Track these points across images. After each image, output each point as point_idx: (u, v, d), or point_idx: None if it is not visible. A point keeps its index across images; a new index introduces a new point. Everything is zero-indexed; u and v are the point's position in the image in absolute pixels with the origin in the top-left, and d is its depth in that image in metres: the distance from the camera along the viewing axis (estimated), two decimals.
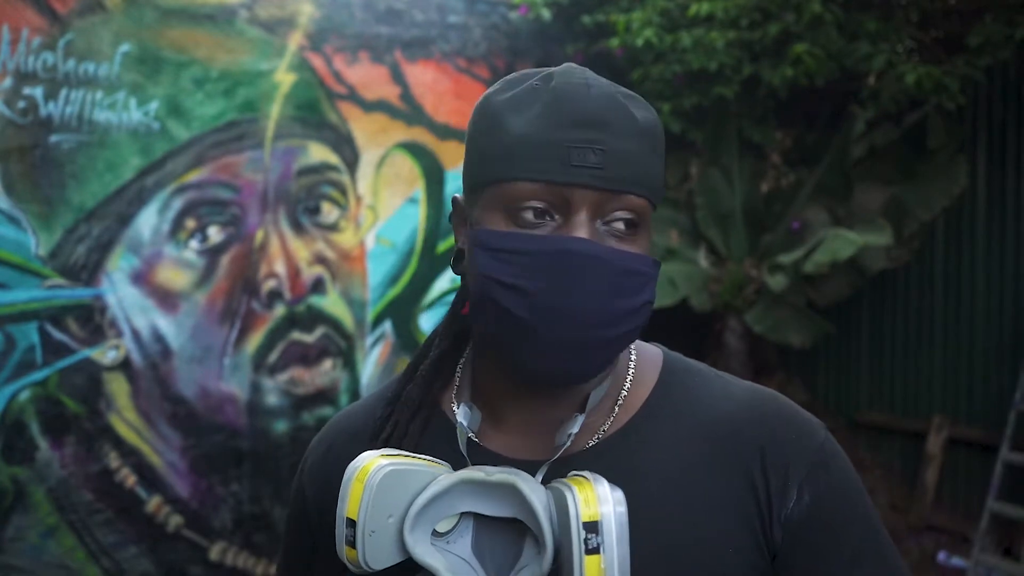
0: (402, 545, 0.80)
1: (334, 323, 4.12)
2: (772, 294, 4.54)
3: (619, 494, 0.75)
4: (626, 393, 0.91)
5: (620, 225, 0.81)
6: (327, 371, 4.10)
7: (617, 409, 0.90)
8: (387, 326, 4.30)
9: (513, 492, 0.78)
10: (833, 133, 4.75)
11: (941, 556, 4.33)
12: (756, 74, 4.39)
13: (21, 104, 3.36)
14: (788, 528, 0.84)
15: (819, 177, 4.73)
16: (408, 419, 0.93)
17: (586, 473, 0.78)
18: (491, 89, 0.88)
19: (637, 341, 0.96)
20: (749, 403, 0.90)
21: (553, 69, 0.85)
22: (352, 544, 0.79)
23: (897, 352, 4.99)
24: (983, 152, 4.57)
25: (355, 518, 0.79)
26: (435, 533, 0.81)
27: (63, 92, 3.44)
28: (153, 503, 3.65)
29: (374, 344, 4.26)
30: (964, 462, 4.62)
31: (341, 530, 0.80)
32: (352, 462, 0.81)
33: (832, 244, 4.23)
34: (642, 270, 0.82)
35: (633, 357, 0.95)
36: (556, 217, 0.80)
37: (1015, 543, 4.16)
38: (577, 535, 0.73)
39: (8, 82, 3.33)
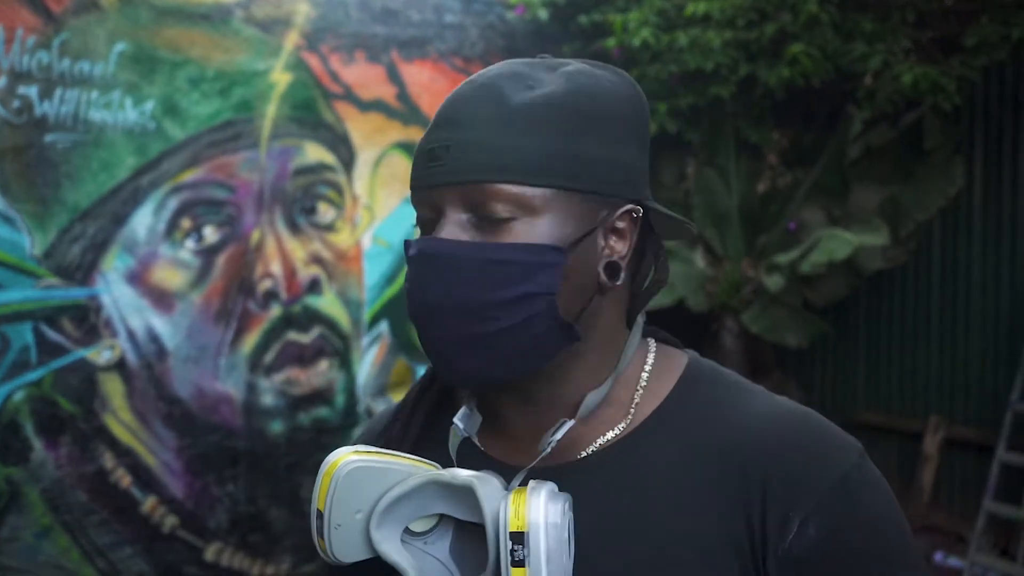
0: (368, 541, 0.80)
1: (330, 323, 4.11)
2: (769, 294, 4.55)
3: (557, 506, 0.73)
4: (637, 400, 0.86)
5: (491, 215, 0.78)
6: (323, 371, 4.09)
7: (628, 419, 0.85)
8: (384, 326, 4.29)
9: (474, 496, 0.77)
10: (830, 133, 4.76)
11: (938, 556, 4.34)
12: (752, 74, 4.39)
13: (16, 103, 3.34)
14: (785, 563, 0.77)
15: (816, 177, 4.73)
16: (408, 415, 0.94)
17: (536, 482, 0.76)
18: None
19: (663, 345, 0.93)
20: (770, 424, 0.82)
21: None
22: (321, 535, 0.81)
23: (893, 352, 4.99)
24: (979, 152, 4.57)
25: (323, 510, 0.80)
26: (412, 532, 0.81)
27: (58, 91, 3.43)
28: (148, 503, 3.65)
29: (370, 344, 4.25)
30: (960, 462, 4.63)
31: (313, 520, 0.82)
32: (328, 456, 0.83)
33: (829, 244, 4.23)
34: (514, 259, 0.77)
35: (650, 362, 0.89)
36: (439, 220, 0.81)
37: (1011, 543, 4.16)
38: (504, 545, 0.72)
39: (3, 81, 3.32)
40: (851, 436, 0.84)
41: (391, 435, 0.92)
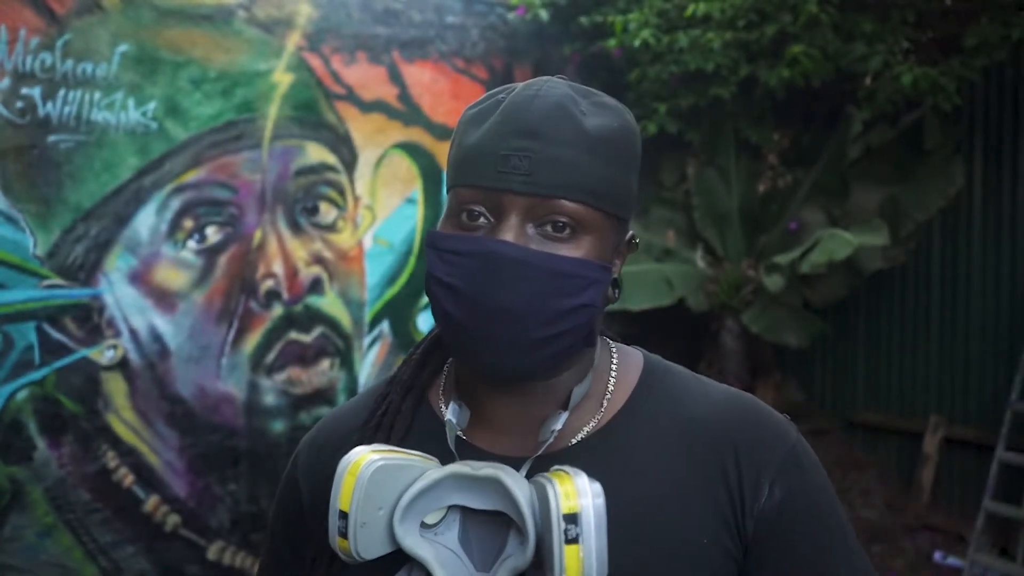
0: (392, 536, 0.84)
1: (332, 323, 4.12)
2: (769, 294, 4.55)
3: (597, 487, 0.79)
4: (610, 393, 0.96)
5: (555, 228, 0.85)
6: (325, 371, 4.10)
7: (602, 409, 0.94)
8: (385, 326, 4.30)
9: (498, 486, 0.82)
10: (830, 134, 4.76)
11: (937, 556, 4.35)
12: (753, 75, 4.40)
13: (19, 104, 3.36)
14: (760, 523, 0.88)
15: (815, 177, 4.74)
16: (400, 399, 0.98)
17: (567, 468, 0.81)
18: (473, 103, 0.94)
19: (619, 344, 1.02)
20: (725, 404, 0.94)
21: (526, 82, 0.90)
22: (344, 535, 0.83)
23: (893, 352, 5.00)
24: (979, 152, 4.58)
25: (347, 510, 0.82)
26: (424, 525, 0.85)
27: (61, 92, 3.45)
28: (151, 502, 3.66)
29: (372, 344, 4.26)
30: (960, 462, 4.63)
31: (334, 522, 0.83)
32: (345, 456, 0.85)
33: (828, 244, 4.24)
34: (576, 273, 0.85)
35: (615, 358, 0.99)
36: (492, 220, 0.86)
37: (1011, 542, 4.17)
38: (557, 526, 0.76)
39: (6, 82, 3.33)
40: (785, 414, 0.98)
41: (378, 429, 0.97)
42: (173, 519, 3.70)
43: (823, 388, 5.38)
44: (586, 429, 0.93)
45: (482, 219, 0.86)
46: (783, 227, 4.77)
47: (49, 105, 3.42)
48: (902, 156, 4.66)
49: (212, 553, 3.80)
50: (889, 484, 4.88)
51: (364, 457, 0.84)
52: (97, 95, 3.53)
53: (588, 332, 0.89)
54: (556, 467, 0.83)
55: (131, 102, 3.60)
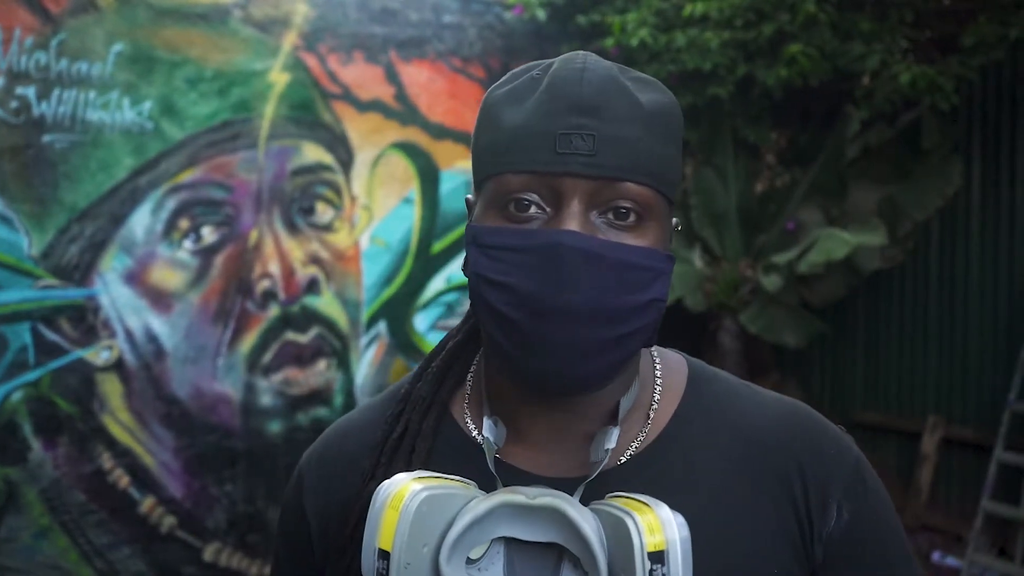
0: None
1: (328, 323, 4.11)
2: (767, 294, 4.55)
3: (681, 519, 0.71)
4: (656, 404, 0.86)
5: (619, 216, 0.76)
6: (321, 371, 4.09)
7: (649, 421, 0.85)
8: (382, 326, 4.29)
9: (557, 516, 0.72)
10: (827, 133, 4.76)
11: (935, 556, 4.34)
12: (751, 74, 4.39)
13: (14, 104, 3.34)
14: (829, 547, 0.81)
15: (813, 177, 4.73)
16: (420, 417, 0.88)
17: (641, 496, 0.73)
18: (495, 84, 0.83)
19: (658, 347, 0.92)
20: (784, 415, 0.86)
21: (558, 58, 0.81)
22: None
23: (892, 352, 4.99)
24: (977, 152, 4.57)
25: (388, 549, 0.72)
26: (468, 560, 0.75)
27: (56, 92, 3.43)
28: (146, 504, 3.64)
29: (368, 344, 4.25)
30: (958, 462, 4.63)
31: (371, 561, 0.73)
32: (382, 486, 0.75)
33: (826, 244, 4.23)
34: (646, 264, 0.76)
35: (658, 363, 0.90)
36: (548, 210, 0.76)
37: (1009, 543, 4.16)
38: (642, 566, 0.68)
39: (0, 82, 3.31)
40: (839, 425, 0.90)
41: (396, 452, 0.87)
42: (169, 520, 3.69)
43: (821, 388, 5.37)
44: (635, 445, 0.84)
45: (533, 208, 0.76)
46: (781, 227, 4.76)
47: (44, 105, 3.41)
48: (900, 156, 4.66)
49: (208, 554, 3.79)
50: (887, 484, 4.80)
51: (406, 488, 0.73)
52: (92, 95, 3.51)
53: (654, 332, 0.80)
54: (619, 494, 0.75)
55: (126, 102, 3.59)
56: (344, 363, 4.16)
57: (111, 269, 3.56)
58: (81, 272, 3.50)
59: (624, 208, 0.76)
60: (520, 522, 0.74)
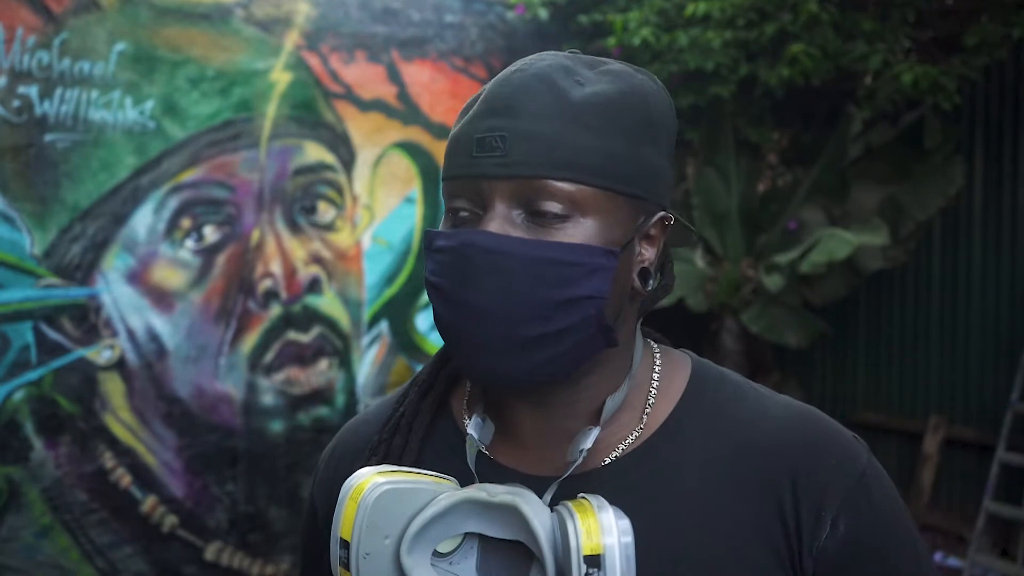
0: (399, 568, 0.75)
1: (330, 323, 4.11)
2: (768, 294, 4.54)
3: (625, 523, 0.70)
4: (650, 405, 0.85)
5: (543, 213, 0.75)
6: (323, 371, 4.09)
7: (641, 424, 0.84)
8: (383, 326, 4.29)
9: (517, 515, 0.73)
10: (830, 133, 4.75)
11: (937, 556, 4.33)
12: (752, 74, 4.39)
13: (16, 103, 3.34)
14: (821, 560, 0.78)
15: (815, 177, 4.73)
16: (410, 422, 0.89)
17: (591, 497, 0.73)
18: None
19: (664, 346, 0.92)
20: (785, 424, 0.83)
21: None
22: (346, 566, 0.75)
23: (894, 352, 4.99)
24: (980, 152, 4.57)
25: (349, 539, 0.74)
26: (437, 554, 0.76)
27: (58, 91, 3.43)
28: (148, 503, 3.65)
29: (370, 344, 4.25)
30: (960, 462, 4.62)
31: (335, 550, 0.76)
32: (349, 479, 0.77)
33: (828, 244, 4.22)
34: (568, 260, 0.74)
35: (658, 363, 0.89)
36: (479, 213, 0.77)
37: (1011, 543, 4.16)
38: (577, 569, 0.68)
39: (3, 81, 3.32)
40: (854, 433, 0.86)
41: (390, 446, 0.88)
42: (170, 519, 3.69)
43: (823, 388, 5.37)
44: (622, 447, 0.83)
45: (466, 212, 0.78)
46: (783, 227, 4.76)
47: (46, 104, 3.41)
48: (902, 155, 4.65)
49: (210, 554, 3.79)
50: None
51: (368, 480, 0.75)
52: (94, 94, 3.51)
53: (599, 329, 0.77)
54: (581, 495, 0.75)
55: (128, 101, 3.59)
56: (346, 363, 4.16)
57: (113, 268, 3.56)
58: (83, 271, 3.50)
59: (547, 205, 0.75)
60: (484, 519, 0.75)
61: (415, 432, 0.88)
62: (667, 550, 0.77)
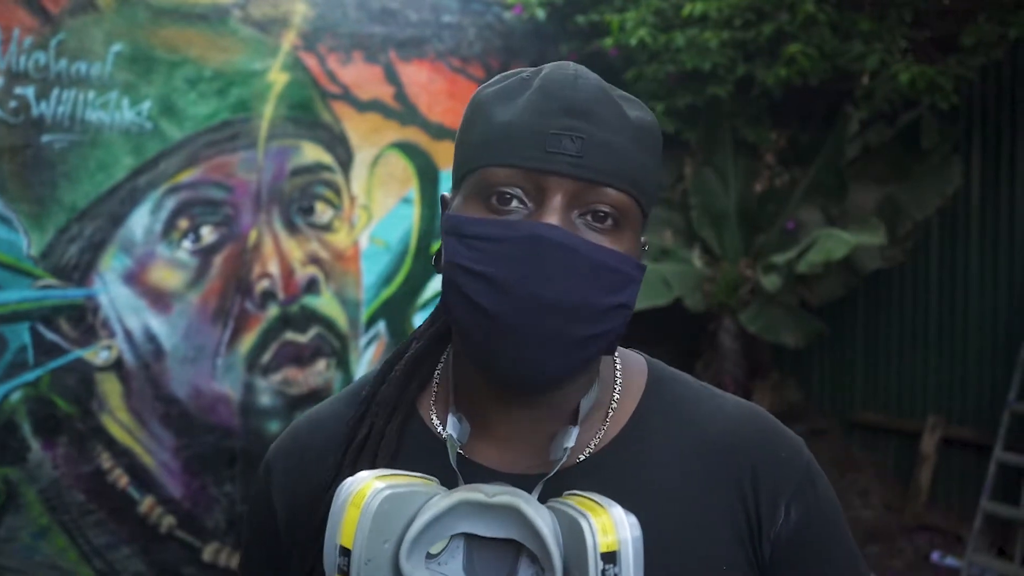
0: (397, 572, 0.75)
1: (328, 323, 4.11)
2: (766, 294, 4.55)
3: (634, 519, 0.72)
4: (615, 403, 0.89)
5: (597, 218, 0.78)
6: (321, 371, 4.09)
7: (608, 420, 0.87)
8: (381, 326, 4.29)
9: (514, 514, 0.74)
10: (827, 133, 4.76)
11: (935, 556, 4.34)
12: (750, 74, 4.39)
13: (13, 104, 3.34)
14: (777, 546, 0.84)
15: (813, 177, 4.73)
16: (385, 421, 0.89)
17: (595, 496, 0.75)
18: (484, 84, 0.85)
19: (620, 348, 0.93)
20: (741, 419, 0.89)
21: (546, 64, 0.83)
22: (345, 573, 0.74)
23: (891, 352, 4.99)
24: (977, 152, 4.57)
25: (350, 546, 0.74)
26: (428, 555, 0.77)
27: (55, 92, 3.43)
28: (146, 503, 3.64)
29: (368, 344, 4.25)
30: (958, 462, 4.63)
31: (333, 558, 0.75)
32: (344, 484, 0.76)
33: (826, 244, 4.23)
34: (620, 268, 0.78)
35: (619, 364, 0.92)
36: (530, 205, 0.78)
37: (1009, 543, 4.16)
38: (594, 567, 0.70)
39: (0, 82, 3.31)
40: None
41: (366, 447, 0.87)
42: (168, 520, 3.69)
43: (821, 388, 5.37)
44: (593, 443, 0.86)
45: (515, 202, 0.78)
46: (780, 227, 4.76)
47: (43, 105, 3.41)
48: (900, 155, 4.66)
49: (207, 554, 3.79)
50: (887, 484, 4.87)
51: (368, 485, 0.75)
52: (91, 95, 3.51)
53: (619, 336, 0.82)
54: (574, 492, 0.77)
55: (125, 102, 3.59)
56: (343, 363, 4.16)
57: (110, 269, 3.56)
58: (80, 272, 3.50)
59: (603, 211, 0.78)
60: (479, 519, 0.76)
61: (392, 426, 0.88)
62: (649, 538, 0.78)
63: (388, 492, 0.74)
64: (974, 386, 4.59)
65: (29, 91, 3.37)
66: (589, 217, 0.78)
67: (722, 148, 4.84)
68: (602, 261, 0.77)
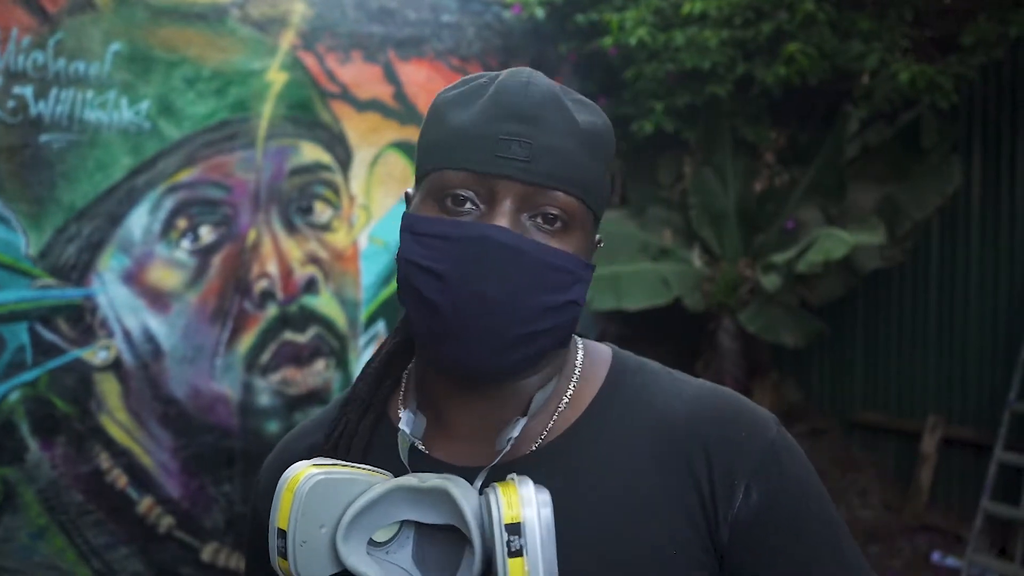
0: (336, 555, 0.79)
1: (327, 323, 4.11)
2: (766, 294, 4.54)
3: (545, 495, 0.75)
4: (571, 394, 0.91)
5: (547, 220, 0.82)
6: (320, 371, 4.08)
7: (560, 411, 0.90)
8: (380, 326, 4.28)
9: (447, 498, 0.77)
10: (827, 132, 4.75)
11: (935, 556, 4.33)
12: (749, 73, 4.39)
13: (11, 103, 3.34)
14: (736, 528, 0.83)
15: (812, 176, 4.73)
16: (357, 419, 0.93)
17: (514, 475, 0.78)
18: (446, 88, 0.89)
19: (586, 340, 0.97)
20: (698, 402, 0.89)
21: (505, 70, 0.87)
22: (284, 555, 0.78)
23: (891, 352, 4.99)
24: (977, 151, 4.57)
25: (285, 528, 0.78)
26: (373, 543, 0.81)
27: (53, 91, 3.43)
28: (144, 504, 3.64)
29: (367, 344, 4.24)
30: (958, 462, 4.62)
31: (273, 541, 0.79)
32: (286, 471, 0.81)
33: (825, 243, 4.22)
34: (566, 267, 0.82)
35: (580, 357, 0.94)
36: (481, 207, 0.81)
37: (1009, 543, 4.16)
38: (500, 537, 0.73)
39: None
40: (766, 410, 0.92)
41: (335, 451, 0.91)
42: (167, 520, 3.69)
43: (821, 388, 5.37)
44: (546, 433, 0.88)
45: (468, 204, 0.82)
46: (780, 226, 4.76)
47: (41, 104, 3.40)
48: (899, 155, 4.65)
49: (206, 554, 3.78)
50: (887, 484, 4.87)
51: (303, 472, 0.79)
52: (90, 94, 3.51)
53: (568, 332, 0.86)
54: (509, 476, 0.79)
55: (124, 101, 3.58)
56: (342, 363, 4.16)
57: (109, 269, 3.56)
58: (79, 272, 3.49)
59: (552, 214, 0.82)
60: (417, 505, 0.79)
61: (353, 453, 0.91)
62: (593, 526, 0.82)
63: (321, 477, 0.78)
64: (974, 386, 4.59)
65: (27, 91, 3.37)
66: (539, 219, 0.82)
67: (721, 147, 4.84)
68: (548, 261, 0.81)
